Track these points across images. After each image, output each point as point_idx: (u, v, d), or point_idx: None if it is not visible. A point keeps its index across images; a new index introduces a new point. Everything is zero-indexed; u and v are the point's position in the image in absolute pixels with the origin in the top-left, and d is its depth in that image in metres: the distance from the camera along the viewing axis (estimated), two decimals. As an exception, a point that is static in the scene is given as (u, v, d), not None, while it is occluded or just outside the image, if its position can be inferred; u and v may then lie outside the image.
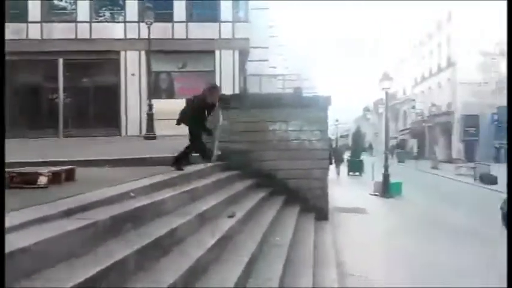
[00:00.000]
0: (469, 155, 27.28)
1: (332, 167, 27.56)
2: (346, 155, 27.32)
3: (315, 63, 60.64)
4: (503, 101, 27.02)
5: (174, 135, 7.62)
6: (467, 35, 28.50)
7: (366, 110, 51.06)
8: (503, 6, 25.93)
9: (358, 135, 28.52)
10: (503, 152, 25.68)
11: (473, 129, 29.08)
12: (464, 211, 10.33)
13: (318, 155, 8.20)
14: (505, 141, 26.40)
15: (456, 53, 30.31)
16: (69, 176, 4.58)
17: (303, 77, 41.45)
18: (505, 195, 3.44)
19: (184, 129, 5.94)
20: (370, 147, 48.57)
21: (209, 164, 6.19)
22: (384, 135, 18.68)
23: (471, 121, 29.27)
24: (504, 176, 14.77)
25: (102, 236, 2.89)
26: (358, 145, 25.91)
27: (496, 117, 27.84)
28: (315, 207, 7.87)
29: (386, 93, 15.18)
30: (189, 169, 5.84)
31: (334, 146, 34.37)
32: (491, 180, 16.24)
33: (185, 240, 3.65)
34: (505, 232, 3.35)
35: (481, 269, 5.85)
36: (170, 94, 16.43)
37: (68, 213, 2.99)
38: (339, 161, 27.35)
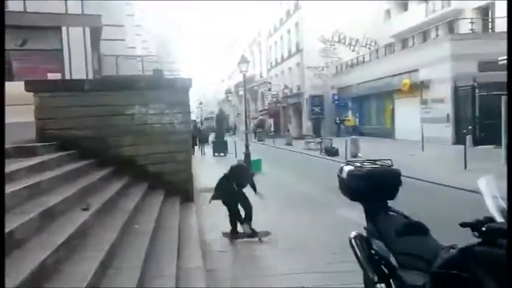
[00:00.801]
0: (316, 131, 30.46)
1: (197, 149, 27.87)
2: (211, 137, 27.83)
3: (178, 46, 59.55)
4: (342, 82, 30.95)
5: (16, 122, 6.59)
6: (312, 23, 31.41)
7: (228, 92, 52.49)
8: None
9: (221, 117, 29.19)
10: (342, 127, 29.53)
11: (319, 108, 32.53)
12: (311, 179, 11.63)
13: (181, 137, 8.10)
14: (342, 117, 30.34)
15: (303, 40, 33.18)
16: None
17: (164, 59, 40.28)
18: (340, 164, 3.88)
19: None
20: (235, 127, 50.47)
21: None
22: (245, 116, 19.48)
23: (317, 101, 32.65)
24: (342, 147, 17.05)
25: None
26: (221, 126, 26.54)
27: (336, 97, 31.65)
28: (179, 190, 7.81)
29: (244, 76, 15.78)
30: (32, 160, 5.14)
31: (199, 128, 34.57)
32: (333, 152, 18.45)
33: (29, 242, 3.21)
34: (340, 195, 3.79)
35: (323, 226, 6.63)
36: (8, 76, 14.11)
37: None
38: (203, 142, 27.68)
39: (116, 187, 5.99)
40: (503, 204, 2.15)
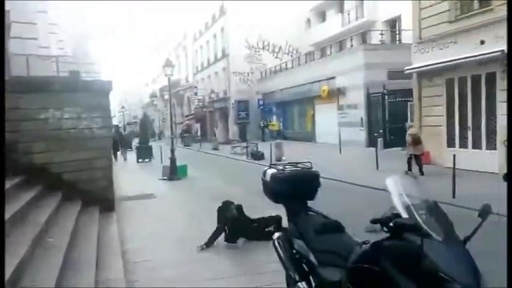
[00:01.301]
0: (242, 135, 30.77)
1: (120, 155, 26.56)
2: (135, 142, 26.73)
3: (98, 46, 56.33)
4: (266, 88, 31.70)
5: None
6: (237, 29, 31.76)
7: (153, 96, 50.96)
8: (265, 3, 30.31)
9: (145, 122, 28.25)
10: (267, 132, 30.23)
11: (245, 113, 32.92)
12: (238, 183, 11.74)
13: (100, 143, 7.67)
14: (267, 122, 31.05)
15: (229, 45, 33.42)
16: None
17: (83, 60, 37.88)
18: (264, 167, 3.97)
19: None
20: (160, 133, 49.07)
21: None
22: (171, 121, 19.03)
23: (243, 106, 33.03)
24: (268, 151, 17.44)
25: None
26: (145, 131, 25.63)
27: (261, 102, 32.29)
28: (99, 199, 7.38)
29: (169, 79, 15.42)
30: None
31: (121, 133, 33.01)
32: (259, 156, 18.80)
33: None
34: (264, 197, 3.87)
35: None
36: None
37: None
38: (126, 148, 26.50)
39: (27, 198, 5.48)
40: (408, 201, 2.35)
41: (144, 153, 21.68)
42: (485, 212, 2.35)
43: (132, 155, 23.38)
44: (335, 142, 19.30)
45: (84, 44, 46.84)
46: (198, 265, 5.14)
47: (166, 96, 39.94)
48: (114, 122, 55.14)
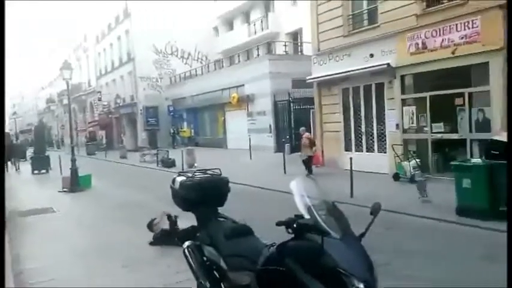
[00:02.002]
0: (152, 142, 29.74)
1: (11, 166, 23.83)
2: (30, 152, 24.18)
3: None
4: (176, 94, 31.12)
5: None
6: (144, 32, 30.64)
7: (51, 101, 46.66)
8: (176, 6, 29.88)
9: (40, 129, 25.70)
10: (178, 138, 29.66)
11: (154, 119, 31.89)
12: (147, 192, 11.36)
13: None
14: (178, 128, 30.49)
15: (135, 49, 32.09)
16: None
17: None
18: (175, 175, 3.90)
19: None
20: (60, 141, 45.07)
21: None
22: (71, 128, 17.60)
23: (152, 112, 31.97)
24: (179, 158, 17.12)
25: None
26: (41, 140, 23.29)
27: (171, 108, 31.59)
28: (-15, 216, 6.49)
29: (68, 83, 14.22)
30: None
31: (13, 142, 29.64)
32: (170, 163, 18.35)
33: None
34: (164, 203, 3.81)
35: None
36: None
37: None
38: (19, 158, 23.87)
39: None
40: (309, 202, 2.49)
41: (40, 163, 19.71)
42: (376, 210, 2.59)
43: (26, 166, 21.09)
44: (246, 148, 19.68)
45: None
46: (103, 280, 4.82)
47: (66, 101, 37.05)
48: (5, 129, 49.39)
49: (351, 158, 9.69)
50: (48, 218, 8.93)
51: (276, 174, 13.12)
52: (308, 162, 12.78)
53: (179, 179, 3.73)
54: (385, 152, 12.40)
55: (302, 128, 13.88)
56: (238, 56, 27.06)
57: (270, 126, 20.90)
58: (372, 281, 2.23)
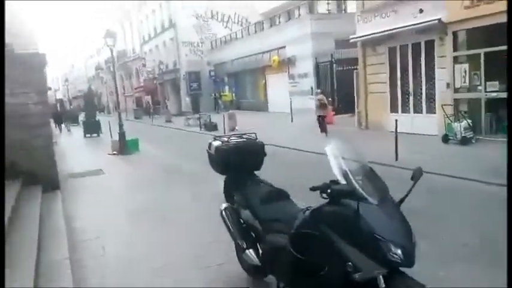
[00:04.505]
0: (195, 107, 30.27)
1: (65, 129, 25.34)
2: (82, 117, 25.49)
3: (33, 18, 51.91)
4: (217, 58, 31.08)
5: None
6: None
7: (99, 68, 48.20)
8: None
9: (90, 95, 26.75)
10: (220, 103, 29.90)
11: (196, 84, 32.25)
12: (191, 155, 11.57)
13: (37, 121, 7.14)
14: (219, 93, 30.71)
15: (176, 14, 32.08)
16: None
17: (13, 33, 34.87)
18: (211, 140, 3.90)
19: None
20: (109, 106, 47.02)
21: None
22: (118, 94, 18.22)
23: (194, 77, 32.28)
24: (221, 121, 17.32)
25: None
26: (91, 105, 24.36)
27: (212, 73, 31.69)
28: (41, 178, 6.96)
29: (112, 51, 14.57)
30: None
31: (65, 107, 31.24)
32: (212, 127, 18.63)
33: None
34: (210, 169, 3.84)
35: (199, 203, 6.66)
36: None
37: None
38: (72, 122, 25.31)
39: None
40: (345, 167, 2.37)
41: (92, 127, 20.74)
42: (417, 175, 2.44)
43: (79, 130, 22.31)
44: (287, 111, 19.47)
45: (19, 12, 43.04)
46: (151, 246, 5.04)
47: (113, 68, 38.19)
48: (58, 96, 52.05)
49: (396, 120, 9.27)
50: (98, 179, 9.40)
51: (316, 137, 12.94)
52: (322, 122, 13.84)
53: (215, 143, 3.73)
54: (434, 113, 11.81)
55: (317, 91, 15.72)
56: (279, 17, 26.27)
57: (312, 88, 20.46)
58: (410, 247, 2.13)
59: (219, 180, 3.83)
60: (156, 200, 6.97)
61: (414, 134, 11.50)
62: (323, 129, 13.60)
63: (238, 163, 3.52)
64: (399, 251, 2.08)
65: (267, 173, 3.78)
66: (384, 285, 2.11)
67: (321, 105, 14.23)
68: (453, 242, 4.30)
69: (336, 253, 2.26)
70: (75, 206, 6.74)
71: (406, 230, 2.21)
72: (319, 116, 14.16)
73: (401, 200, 2.38)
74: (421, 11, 11.47)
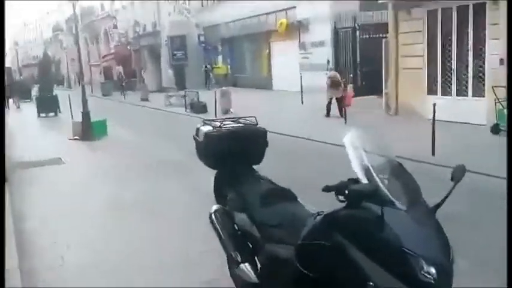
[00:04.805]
0: (180, 82, 30.14)
1: (13, 106, 25.28)
2: (36, 91, 25.46)
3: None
4: (209, 20, 30.87)
5: None
6: None
7: (58, 29, 47.98)
8: None
9: (47, 63, 26.69)
10: (212, 77, 29.81)
11: (182, 52, 31.98)
12: (170, 142, 11.71)
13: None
14: (211, 64, 30.63)
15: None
16: None
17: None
18: (199, 124, 3.93)
19: None
20: (70, 78, 46.85)
21: None
22: (82, 62, 18.10)
23: (179, 43, 31.90)
24: (212, 101, 17.33)
25: None
26: (48, 76, 24.30)
27: (202, 38, 31.48)
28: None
29: (74, 6, 14.52)
30: None
31: (15, 78, 31.09)
32: (200, 108, 18.62)
33: None
34: (197, 162, 3.87)
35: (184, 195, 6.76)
36: None
37: None
38: (23, 98, 25.20)
39: None
40: (367, 162, 2.39)
41: (48, 105, 20.74)
42: (458, 174, 2.47)
43: (32, 108, 22.27)
44: (296, 89, 19.45)
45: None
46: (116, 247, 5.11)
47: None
48: (6, 63, 51.86)
49: (434, 104, 9.28)
50: (56, 170, 9.47)
51: (334, 125, 12.95)
52: (338, 104, 14.35)
53: (204, 129, 3.74)
54: (482, 96, 11.81)
55: (329, 65, 17.14)
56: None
57: (329, 61, 20.34)
58: (447, 265, 2.17)
59: (209, 175, 3.86)
60: (126, 197, 7.03)
61: (456, 122, 11.50)
62: (341, 112, 13.89)
63: (233, 154, 3.55)
64: (433, 270, 2.10)
65: (270, 168, 3.81)
66: None
67: (333, 85, 14.43)
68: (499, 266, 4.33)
69: (353, 270, 2.29)
70: (27, 203, 6.81)
71: (442, 243, 2.25)
72: (330, 99, 14.52)
73: (438, 206, 2.41)
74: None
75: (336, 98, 14.47)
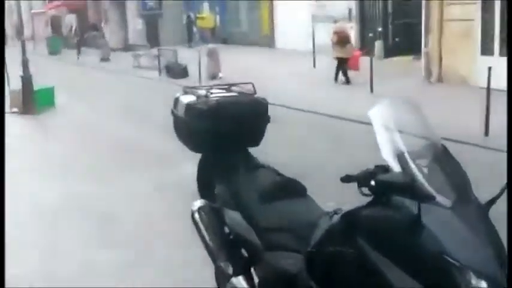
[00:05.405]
0: (152, 37, 30.19)
1: None
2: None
3: None
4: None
5: None
6: None
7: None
8: None
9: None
10: (194, 31, 29.64)
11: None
12: (140, 117, 11.87)
13: None
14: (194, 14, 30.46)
15: None
16: None
17: None
18: (179, 94, 3.90)
19: None
20: (4, 31, 46.46)
21: None
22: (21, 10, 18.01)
23: (151, -14, 31.88)
24: (195, 63, 17.31)
25: None
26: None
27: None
28: None
29: None
30: None
31: None
32: (179, 72, 18.59)
33: None
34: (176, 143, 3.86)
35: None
36: None
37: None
38: None
39: None
40: (401, 144, 2.39)
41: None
42: None
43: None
44: (307, 48, 19.42)
45: None
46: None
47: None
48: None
49: (489, 68, 9.27)
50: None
51: (357, 94, 12.98)
52: (341, 67, 15.05)
53: (185, 99, 3.72)
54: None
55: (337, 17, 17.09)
56: None
57: (350, 11, 20.34)
58: (501, 278, 2.19)
59: (191, 161, 3.86)
60: (81, 194, 7.04)
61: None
62: (346, 77, 15.01)
63: (224, 134, 3.52)
64: (484, 284, 2.12)
65: (272, 151, 3.82)
66: None
67: (340, 41, 14.92)
68: None
69: (379, 283, 2.30)
70: None
71: (495, 250, 2.26)
72: (340, 60, 15.15)
73: (491, 201, 2.41)
74: None
75: (339, 59, 14.93)
